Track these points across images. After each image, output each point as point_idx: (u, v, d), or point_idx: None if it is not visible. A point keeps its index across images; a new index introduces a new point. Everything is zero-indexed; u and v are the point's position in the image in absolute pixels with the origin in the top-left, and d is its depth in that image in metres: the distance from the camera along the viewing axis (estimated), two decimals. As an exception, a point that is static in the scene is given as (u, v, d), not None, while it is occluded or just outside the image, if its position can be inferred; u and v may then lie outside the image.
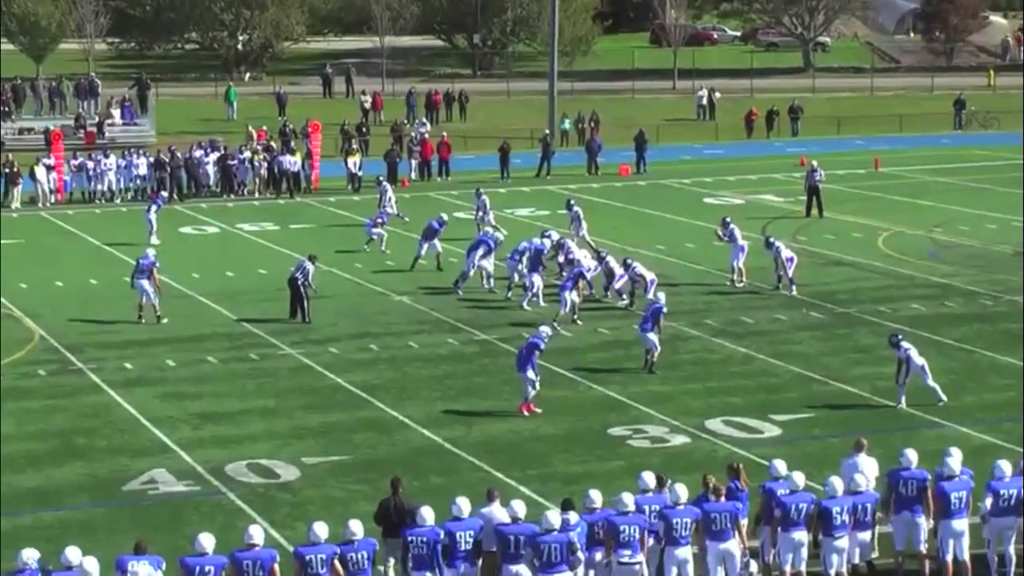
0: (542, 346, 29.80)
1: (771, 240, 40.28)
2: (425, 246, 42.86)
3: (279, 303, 38.72)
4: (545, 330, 30.41)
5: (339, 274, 42.32)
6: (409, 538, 19.36)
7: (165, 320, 37.05)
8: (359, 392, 31.05)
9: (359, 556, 19.00)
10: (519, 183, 61.34)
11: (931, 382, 29.60)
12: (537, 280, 38.51)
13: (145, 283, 37.18)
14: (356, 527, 19.16)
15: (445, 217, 44.17)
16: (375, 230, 46.32)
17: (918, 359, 29.52)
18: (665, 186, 60.92)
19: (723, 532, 20.17)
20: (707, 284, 41.14)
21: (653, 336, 32.39)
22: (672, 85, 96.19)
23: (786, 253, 39.79)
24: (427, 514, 19.57)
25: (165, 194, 53.23)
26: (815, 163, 53.79)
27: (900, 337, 30.01)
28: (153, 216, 47.88)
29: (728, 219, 42.50)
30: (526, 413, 29.30)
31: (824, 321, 37.42)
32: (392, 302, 39.31)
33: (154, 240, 46.37)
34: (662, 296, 33.80)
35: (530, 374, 29.51)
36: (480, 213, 47.94)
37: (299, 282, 37.24)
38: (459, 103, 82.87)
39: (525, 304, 38.09)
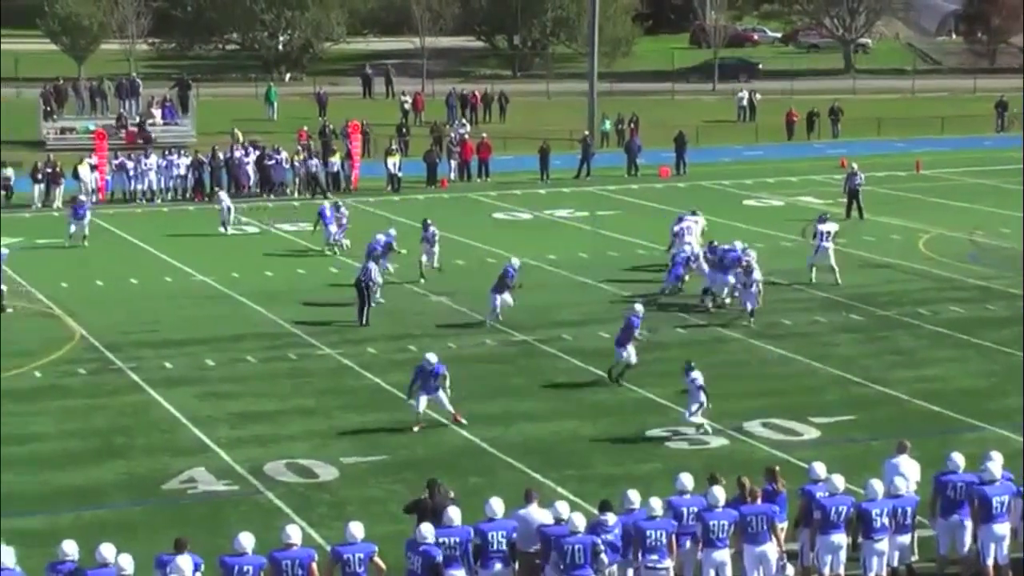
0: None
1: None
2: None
3: (318, 303, 38.84)
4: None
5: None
6: (440, 539, 19.35)
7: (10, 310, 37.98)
8: (397, 392, 31.05)
9: (417, 559, 18.98)
10: (558, 184, 61.31)
11: (690, 418, 28.10)
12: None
13: None
14: (427, 531, 19.19)
15: (393, 233, 42.04)
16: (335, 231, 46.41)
17: (700, 396, 27.91)
18: (705, 187, 60.77)
19: (759, 535, 20.11)
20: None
21: (625, 351, 31.40)
22: (712, 86, 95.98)
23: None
24: (455, 514, 19.57)
25: (83, 199, 51.06)
26: (855, 166, 53.57)
27: (692, 364, 28.44)
28: (74, 226, 47.70)
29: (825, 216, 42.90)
30: (459, 419, 28.90)
31: (864, 323, 37.27)
32: (430, 303, 39.32)
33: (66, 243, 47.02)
34: (639, 307, 32.61)
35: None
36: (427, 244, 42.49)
37: (365, 284, 37.20)
38: (499, 104, 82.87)
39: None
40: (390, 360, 33.78)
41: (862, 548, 20.49)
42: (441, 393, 28.72)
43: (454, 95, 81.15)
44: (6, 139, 68.82)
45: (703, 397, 27.91)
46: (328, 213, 46.85)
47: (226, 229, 49.77)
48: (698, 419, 28.14)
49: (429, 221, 43.10)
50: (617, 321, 36.26)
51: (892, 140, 75.20)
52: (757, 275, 36.93)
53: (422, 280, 41.33)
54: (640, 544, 19.66)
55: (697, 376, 27.95)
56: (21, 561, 18.46)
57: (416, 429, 28.45)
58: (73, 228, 47.91)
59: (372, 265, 37.67)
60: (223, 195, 51.81)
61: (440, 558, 19.05)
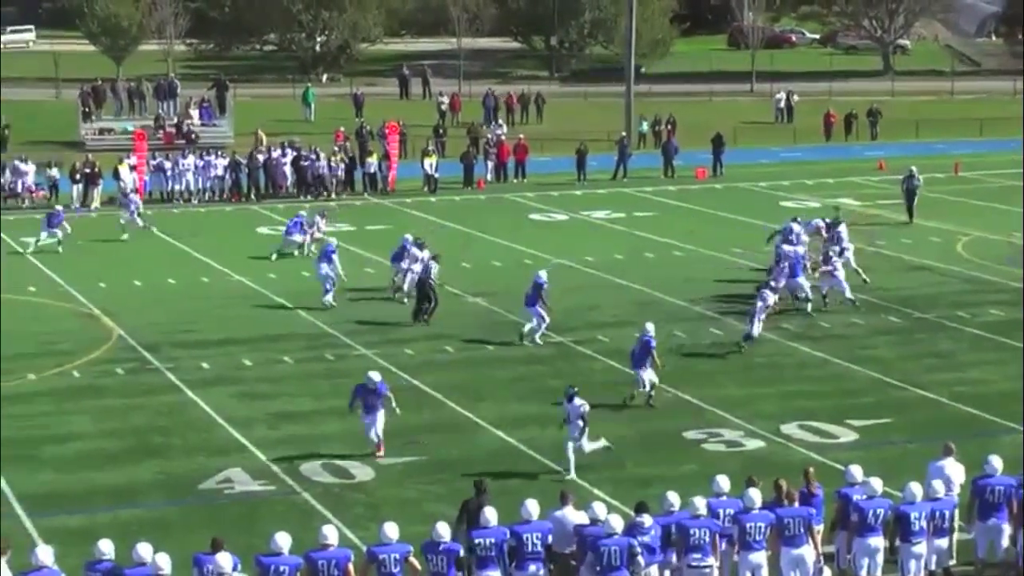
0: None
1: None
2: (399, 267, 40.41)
3: (353, 303, 38.89)
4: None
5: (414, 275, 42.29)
6: (476, 540, 19.35)
7: None
8: (434, 393, 31.08)
9: (441, 560, 19.05)
10: (595, 185, 61.27)
11: (584, 447, 26.26)
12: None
13: None
14: (443, 530, 19.22)
15: (409, 238, 40.82)
16: (294, 237, 46.08)
17: (579, 422, 26.08)
18: (742, 189, 60.65)
19: (796, 538, 20.04)
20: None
21: (646, 374, 30.14)
22: (750, 88, 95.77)
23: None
24: (491, 515, 19.57)
25: (60, 208, 50.04)
26: (914, 168, 53.04)
27: (576, 390, 26.56)
28: (45, 234, 47.03)
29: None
30: (380, 452, 27.12)
31: (902, 326, 37.13)
32: (467, 304, 39.33)
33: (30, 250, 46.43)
34: (651, 327, 30.79)
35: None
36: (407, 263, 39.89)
37: (427, 283, 37.12)
38: (536, 105, 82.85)
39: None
40: (426, 361, 33.79)
41: (900, 551, 20.41)
42: (379, 416, 26.94)
43: (491, 96, 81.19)
44: (46, 140, 69.22)
45: (581, 424, 25.98)
46: (304, 224, 46.38)
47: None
48: (590, 444, 26.24)
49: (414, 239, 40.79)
50: (654, 323, 36.26)
51: (931, 142, 74.89)
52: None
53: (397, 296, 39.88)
54: (684, 543, 19.65)
55: (582, 404, 26.05)
56: (59, 560, 18.52)
57: (380, 453, 27.01)
58: (44, 235, 46.89)
59: (432, 263, 37.55)
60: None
61: (462, 552, 19.14)
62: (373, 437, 27.05)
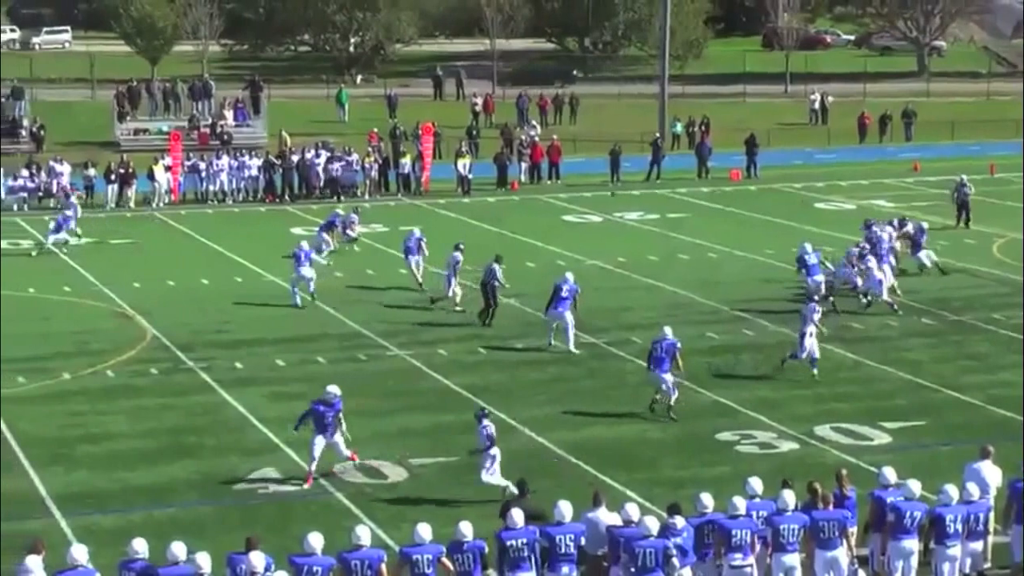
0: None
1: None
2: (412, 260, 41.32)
3: (387, 304, 38.95)
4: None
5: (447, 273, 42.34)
6: (508, 542, 19.36)
7: None
8: (467, 394, 31.10)
9: (466, 558, 19.03)
10: (629, 187, 61.25)
11: (488, 477, 24.93)
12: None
13: None
14: (466, 529, 19.22)
15: (418, 232, 41.99)
16: (58, 235, 46.49)
17: (489, 444, 24.94)
18: (776, 191, 60.54)
19: (831, 540, 20.00)
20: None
21: (670, 377, 29.73)
22: (784, 89, 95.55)
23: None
24: (518, 516, 19.56)
25: (70, 212, 49.06)
26: (964, 177, 52.74)
27: (485, 412, 25.62)
28: (52, 237, 46.96)
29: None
30: (355, 459, 26.42)
31: (936, 328, 37.00)
32: (500, 304, 39.30)
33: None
34: (668, 330, 30.25)
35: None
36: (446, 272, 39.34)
37: (490, 285, 37.04)
38: (569, 106, 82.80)
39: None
40: (459, 362, 33.82)
41: (934, 554, 20.34)
42: (339, 436, 25.83)
43: (525, 97, 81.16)
44: (81, 140, 69.52)
45: (493, 450, 24.78)
46: (337, 224, 47.13)
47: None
48: (496, 479, 24.76)
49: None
50: (687, 325, 36.25)
51: (966, 143, 74.61)
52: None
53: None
54: (725, 543, 19.64)
55: (489, 425, 25.00)
56: (93, 559, 18.58)
57: (306, 485, 25.67)
58: (51, 239, 46.79)
59: (496, 266, 37.48)
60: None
61: (487, 548, 19.18)
62: (316, 456, 25.57)
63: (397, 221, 52.59)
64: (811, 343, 32.03)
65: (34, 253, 46.60)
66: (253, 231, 49.82)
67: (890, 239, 41.31)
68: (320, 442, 25.61)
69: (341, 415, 25.90)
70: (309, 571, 18.46)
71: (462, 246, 39.23)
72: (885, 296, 38.24)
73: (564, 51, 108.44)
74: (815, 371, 31.93)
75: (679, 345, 29.90)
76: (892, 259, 40.19)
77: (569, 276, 35.37)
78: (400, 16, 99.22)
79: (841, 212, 54.46)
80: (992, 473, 21.77)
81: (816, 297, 36.65)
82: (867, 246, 40.21)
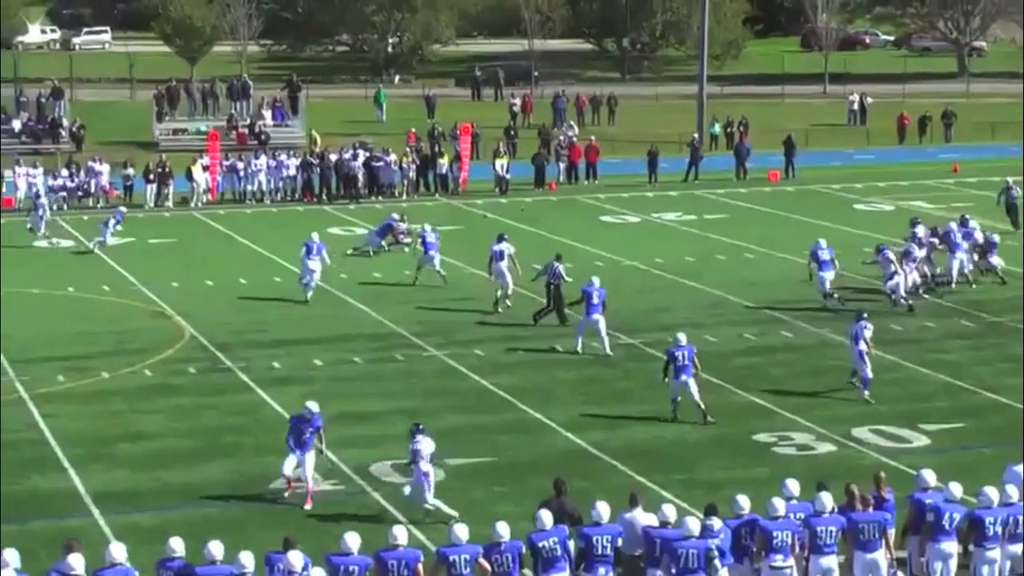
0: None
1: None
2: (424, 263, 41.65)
3: (424, 305, 38.98)
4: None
5: (484, 276, 42.30)
6: (539, 543, 19.32)
7: None
8: (503, 394, 31.10)
9: (504, 558, 19.03)
10: (667, 187, 61.16)
11: (430, 500, 24.17)
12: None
13: None
14: (503, 529, 19.21)
15: (428, 228, 42.52)
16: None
17: (425, 467, 24.19)
18: (814, 191, 60.36)
19: (871, 542, 19.94)
20: (853, 289, 40.56)
21: (694, 383, 29.28)
22: (823, 90, 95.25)
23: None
24: (546, 517, 19.53)
25: (124, 210, 50.44)
26: (1010, 180, 52.44)
27: (421, 427, 24.60)
28: (107, 230, 47.47)
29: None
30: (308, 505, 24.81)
31: (975, 330, 36.84)
32: (538, 305, 39.26)
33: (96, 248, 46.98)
34: (683, 336, 29.87)
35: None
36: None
37: (554, 285, 36.82)
38: (607, 107, 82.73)
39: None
40: (496, 362, 33.83)
41: (973, 556, 20.23)
42: (310, 456, 24.79)
43: (562, 97, 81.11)
44: (120, 140, 69.80)
45: (425, 467, 24.02)
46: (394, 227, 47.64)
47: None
48: (429, 497, 24.03)
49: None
50: (724, 326, 36.21)
51: (1006, 145, 74.14)
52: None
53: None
54: (766, 544, 19.59)
55: (419, 441, 24.20)
56: (131, 557, 18.64)
57: (287, 494, 25.07)
58: (104, 238, 47.36)
59: (558, 265, 37.25)
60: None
61: (524, 549, 19.16)
62: (291, 474, 24.85)
63: (435, 221, 52.46)
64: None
65: (96, 250, 46.89)
66: (291, 231, 49.84)
67: (927, 237, 41.32)
68: (292, 460, 24.78)
69: (322, 432, 25.07)
70: (346, 570, 18.49)
71: (506, 236, 39.36)
72: (902, 292, 38.20)
73: (602, 51, 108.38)
74: (867, 393, 30.63)
75: (694, 348, 29.67)
76: (917, 261, 40.06)
77: (595, 280, 34.84)
78: (438, 17, 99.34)
79: (880, 213, 54.25)
80: (1032, 476, 21.65)
81: (866, 314, 35.79)
82: (913, 246, 40.17)
